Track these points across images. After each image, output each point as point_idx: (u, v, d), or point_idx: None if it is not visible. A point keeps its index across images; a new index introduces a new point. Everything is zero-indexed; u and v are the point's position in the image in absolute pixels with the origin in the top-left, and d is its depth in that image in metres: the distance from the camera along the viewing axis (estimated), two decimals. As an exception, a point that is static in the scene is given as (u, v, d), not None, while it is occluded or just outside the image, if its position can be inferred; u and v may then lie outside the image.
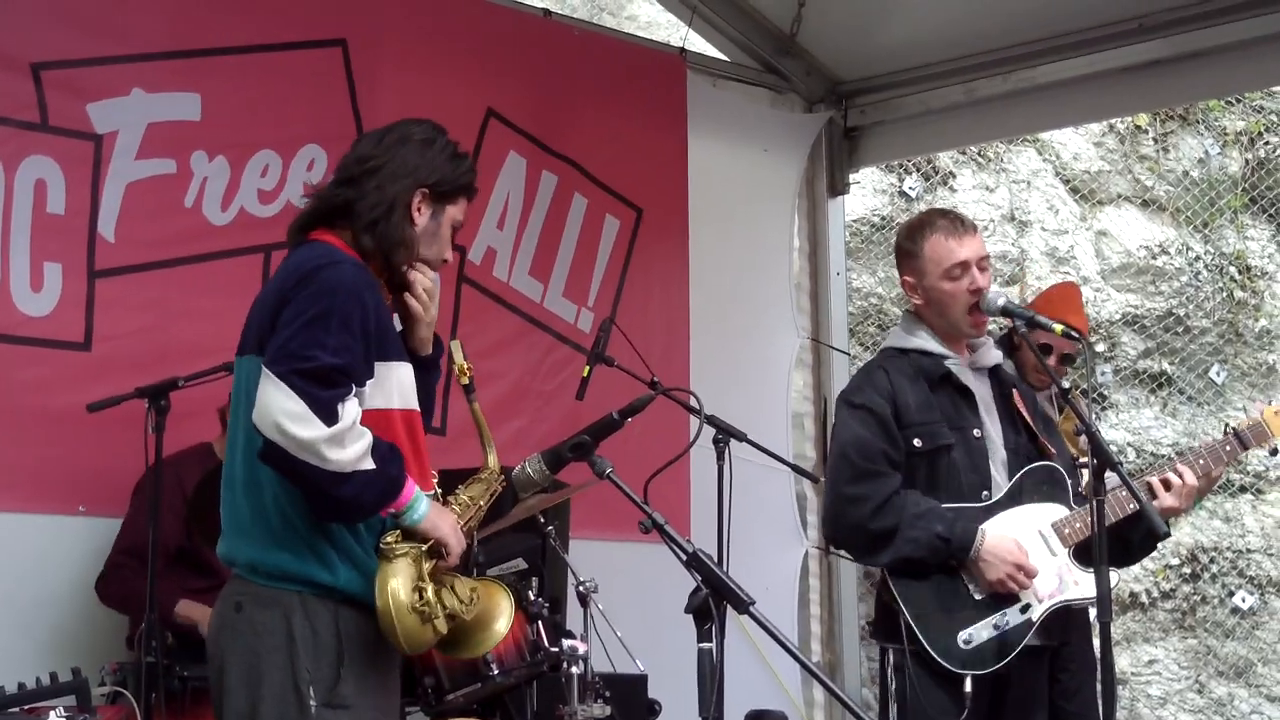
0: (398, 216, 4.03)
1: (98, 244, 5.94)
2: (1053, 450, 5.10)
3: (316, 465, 3.73)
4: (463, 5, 7.12)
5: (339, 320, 3.82)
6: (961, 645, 4.81)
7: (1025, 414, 5.12)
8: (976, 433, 5.00)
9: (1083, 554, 4.96)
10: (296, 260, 4.01)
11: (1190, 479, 4.96)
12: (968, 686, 4.77)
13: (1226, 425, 5.52)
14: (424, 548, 3.91)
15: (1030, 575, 4.85)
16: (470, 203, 4.21)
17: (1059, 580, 4.92)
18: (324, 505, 3.84)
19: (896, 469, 4.95)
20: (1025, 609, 4.87)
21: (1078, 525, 4.95)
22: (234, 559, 3.98)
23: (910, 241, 5.14)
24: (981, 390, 5.10)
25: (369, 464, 3.80)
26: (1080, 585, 4.93)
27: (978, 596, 4.86)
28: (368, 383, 3.89)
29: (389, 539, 3.89)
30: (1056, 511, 4.98)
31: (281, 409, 3.72)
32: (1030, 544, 4.90)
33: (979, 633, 4.83)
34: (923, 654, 4.80)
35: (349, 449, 3.75)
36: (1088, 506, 4.94)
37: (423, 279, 4.10)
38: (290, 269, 4.00)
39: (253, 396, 3.86)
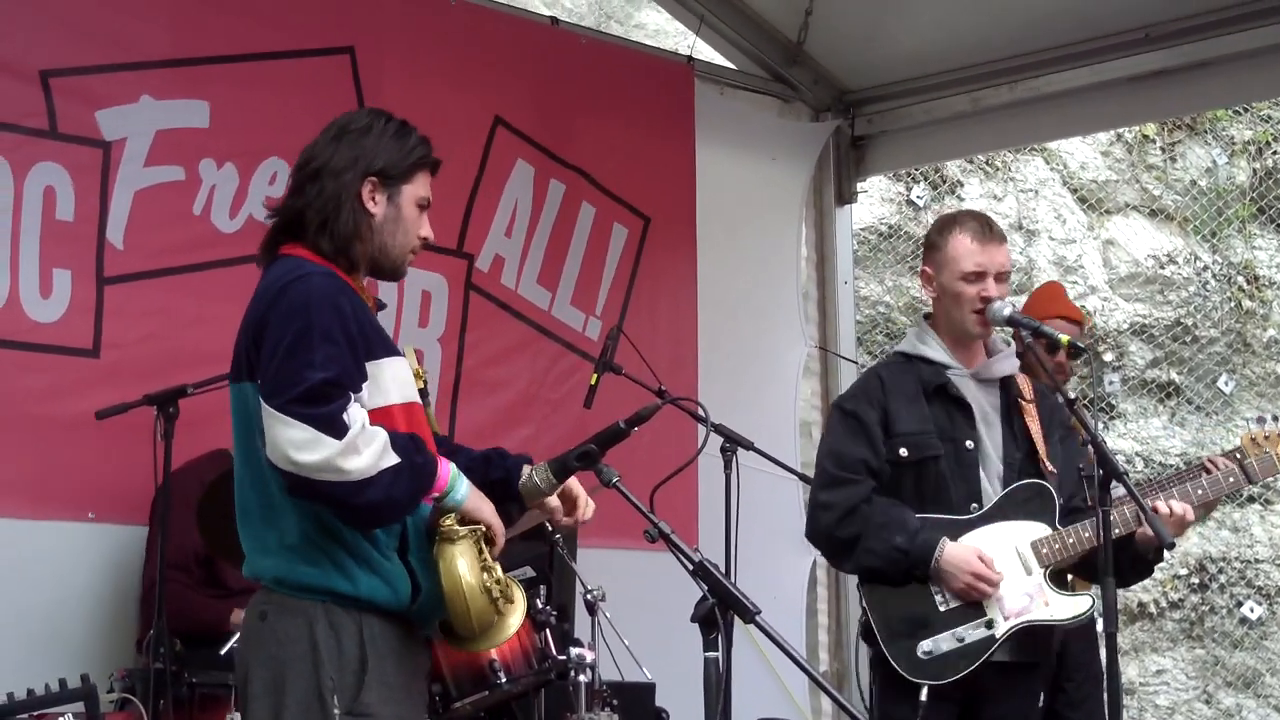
0: (346, 212, 3.99)
1: (106, 251, 5.94)
2: (1052, 468, 5.07)
3: (339, 480, 3.72)
4: (470, 13, 7.12)
5: (319, 334, 3.80)
6: (920, 655, 4.84)
7: (1035, 427, 5.10)
8: (969, 444, 4.99)
9: (1059, 577, 4.98)
10: (268, 280, 3.99)
11: (1178, 510, 4.94)
12: (923, 696, 4.79)
13: (1235, 452, 5.53)
14: (482, 530, 3.92)
15: (992, 584, 4.85)
16: (434, 175, 4.17)
17: (1028, 600, 4.90)
18: (363, 516, 3.82)
19: (875, 477, 4.97)
20: (989, 624, 4.87)
21: (1056, 546, 4.94)
22: (259, 575, 3.97)
23: (938, 234, 5.15)
24: (982, 402, 5.07)
25: (391, 459, 3.78)
26: (1050, 606, 4.92)
27: (943, 608, 4.88)
28: (364, 385, 3.89)
29: (447, 521, 3.88)
30: (1038, 530, 4.97)
31: (289, 441, 3.72)
32: (1004, 560, 4.90)
33: (940, 644, 4.85)
34: (884, 659, 4.86)
35: (365, 453, 3.73)
36: (1071, 528, 4.96)
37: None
38: (263, 290, 3.97)
39: (249, 424, 3.89)
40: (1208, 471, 6.26)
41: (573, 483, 4.14)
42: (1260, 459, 5.49)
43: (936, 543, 4.86)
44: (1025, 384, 5.19)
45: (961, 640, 4.85)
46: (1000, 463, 5.02)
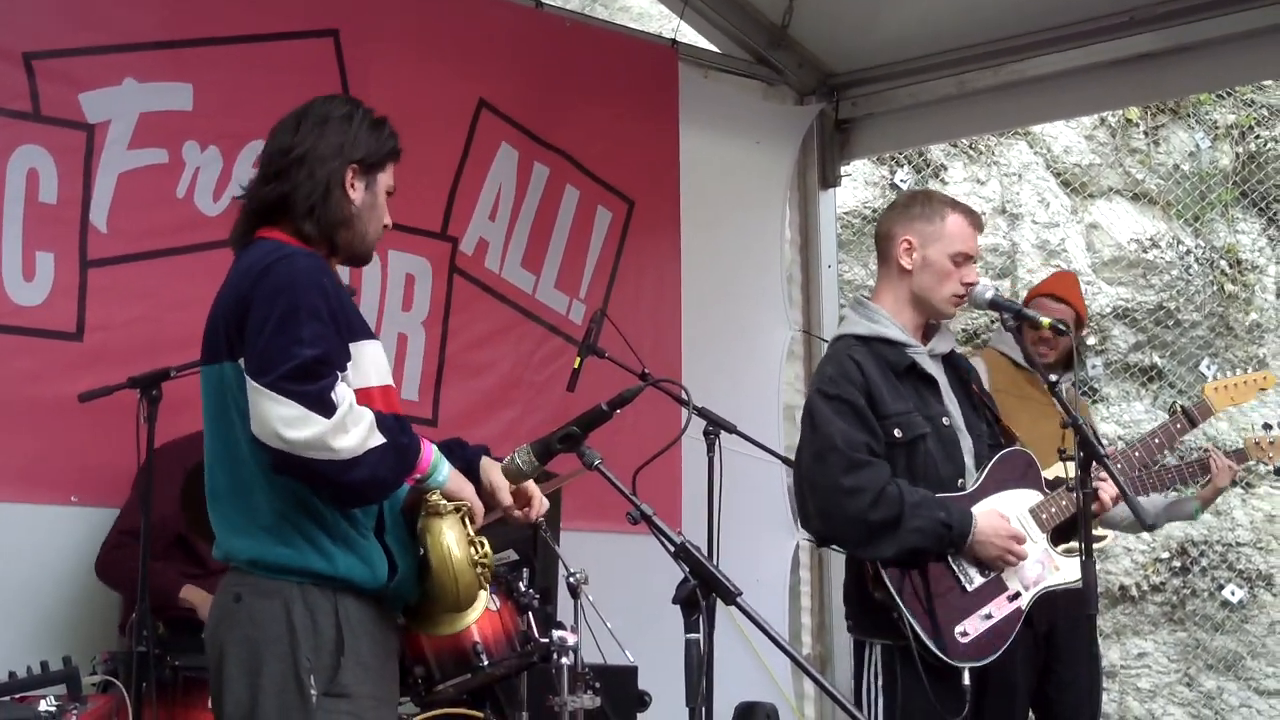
0: (335, 197, 4.04)
1: (90, 234, 5.94)
2: (1015, 434, 5.11)
3: (328, 458, 3.74)
4: (455, -4, 7.13)
5: (306, 311, 3.83)
6: (959, 638, 4.79)
7: (981, 396, 5.15)
8: (945, 421, 5.00)
9: (1059, 537, 4.98)
10: (248, 261, 4.00)
11: (1111, 491, 4.89)
12: (966, 680, 4.76)
13: (1173, 404, 5.70)
14: (466, 506, 3.96)
15: (1021, 543, 4.86)
16: (396, 166, 4.20)
17: (1041, 567, 4.93)
18: (348, 495, 3.85)
19: (882, 460, 4.90)
20: (1014, 597, 4.87)
21: (1053, 509, 4.97)
22: (233, 555, 3.98)
23: (929, 207, 5.11)
24: (941, 377, 5.10)
25: (377, 439, 3.81)
26: (1061, 570, 4.95)
27: (969, 587, 4.85)
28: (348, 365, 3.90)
29: (434, 497, 3.93)
30: (1031, 497, 4.99)
31: (277, 417, 3.73)
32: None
33: (975, 624, 4.82)
34: (920, 649, 4.75)
35: (353, 432, 3.76)
36: (1061, 491, 4.99)
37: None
38: (243, 270, 3.99)
39: (224, 405, 3.91)
40: (1205, 469, 6.48)
41: (528, 481, 4.16)
42: (1198, 404, 5.71)
43: (970, 515, 4.83)
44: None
45: (991, 617, 4.84)
46: (970, 436, 5.04)
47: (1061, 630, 6.15)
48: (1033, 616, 4.96)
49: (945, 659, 4.76)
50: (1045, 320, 4.93)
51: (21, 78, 5.80)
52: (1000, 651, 4.84)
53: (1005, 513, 4.92)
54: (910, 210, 5.15)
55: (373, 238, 4.15)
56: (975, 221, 5.12)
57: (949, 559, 4.85)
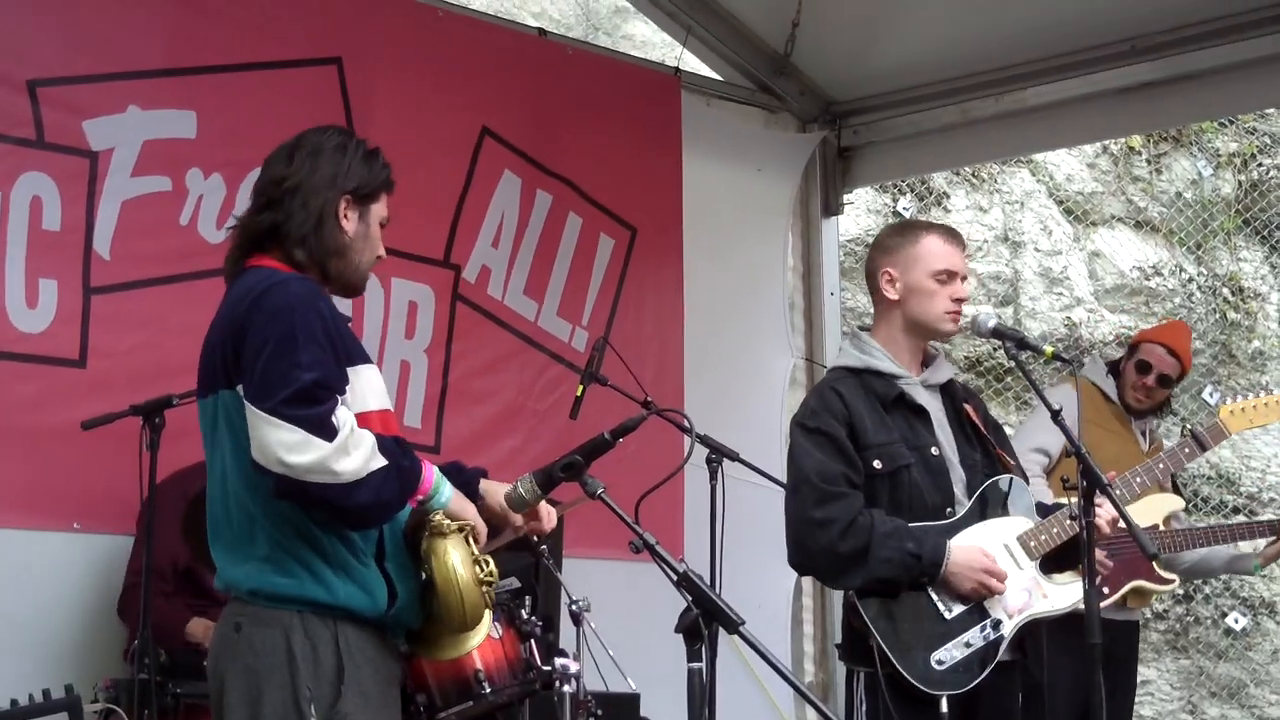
0: (328, 227, 4.04)
1: (93, 261, 5.94)
2: (1011, 462, 5.10)
3: (330, 482, 3.74)
4: (458, 24, 7.14)
5: (304, 335, 3.83)
6: (935, 666, 4.78)
7: (980, 425, 5.13)
8: (934, 451, 4.97)
9: (1050, 565, 4.97)
10: (242, 288, 4.00)
11: (1109, 513, 4.78)
12: (944, 707, 4.74)
13: (1184, 426, 5.69)
14: (470, 526, 3.96)
15: (1000, 579, 4.85)
16: (390, 197, 4.21)
17: (1028, 595, 4.91)
18: (351, 518, 3.85)
19: (857, 491, 4.90)
20: (996, 625, 4.86)
21: (1043, 537, 4.95)
22: (234, 585, 3.98)
23: (900, 238, 5.12)
24: (935, 408, 5.08)
25: (379, 461, 3.81)
26: (1049, 598, 4.93)
27: (948, 615, 4.83)
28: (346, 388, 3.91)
29: (437, 517, 3.93)
30: (1020, 524, 4.98)
31: (279, 442, 3.73)
32: (998, 558, 4.90)
33: (951, 652, 4.80)
34: (896, 677, 4.75)
35: (354, 455, 3.76)
36: (1052, 518, 4.98)
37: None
38: (238, 297, 3.98)
39: (223, 435, 3.92)
40: (1275, 531, 6.62)
41: None
42: (1210, 427, 5.73)
43: (944, 546, 4.82)
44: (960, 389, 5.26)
45: (970, 645, 4.82)
46: (960, 467, 5.02)
47: (1115, 660, 6.11)
48: (1020, 643, 4.94)
49: (920, 686, 4.76)
50: (1048, 349, 4.92)
51: (25, 105, 5.81)
52: (981, 678, 4.82)
53: (990, 541, 4.91)
54: (887, 243, 5.17)
55: (365, 268, 4.16)
56: (953, 239, 5.11)
57: (927, 588, 4.85)
